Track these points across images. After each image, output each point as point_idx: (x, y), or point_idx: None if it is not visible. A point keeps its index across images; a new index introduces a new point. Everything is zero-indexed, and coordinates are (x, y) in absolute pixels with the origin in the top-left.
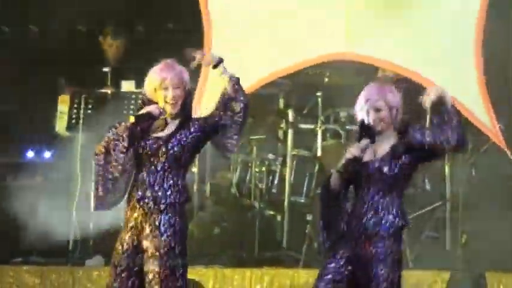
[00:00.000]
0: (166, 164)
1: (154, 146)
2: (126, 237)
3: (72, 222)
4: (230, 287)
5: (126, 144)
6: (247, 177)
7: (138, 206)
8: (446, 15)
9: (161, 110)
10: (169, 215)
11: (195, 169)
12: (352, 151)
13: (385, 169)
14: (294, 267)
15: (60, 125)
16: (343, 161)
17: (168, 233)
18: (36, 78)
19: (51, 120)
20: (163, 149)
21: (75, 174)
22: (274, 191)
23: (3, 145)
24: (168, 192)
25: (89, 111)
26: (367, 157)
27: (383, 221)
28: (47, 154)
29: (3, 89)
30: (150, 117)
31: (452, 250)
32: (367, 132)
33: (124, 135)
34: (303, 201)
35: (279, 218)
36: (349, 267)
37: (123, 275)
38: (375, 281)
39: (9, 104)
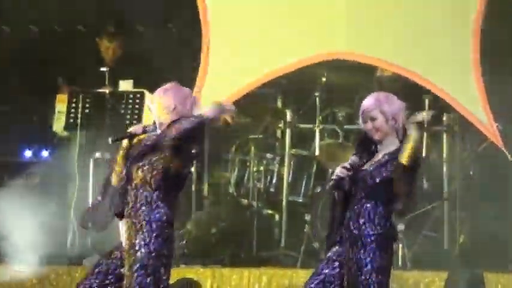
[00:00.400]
0: (138, 184)
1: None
2: (120, 247)
3: (70, 221)
4: (228, 287)
5: (114, 166)
6: (246, 177)
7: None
8: (444, 14)
9: (146, 128)
10: (145, 234)
11: (192, 168)
12: (337, 172)
13: (368, 177)
14: (292, 267)
15: (58, 125)
16: (331, 182)
17: (143, 251)
18: (35, 77)
19: (49, 119)
20: (135, 168)
21: (72, 174)
22: (272, 190)
23: (1, 144)
24: (140, 211)
25: (87, 110)
26: (364, 166)
27: (362, 228)
28: (45, 153)
29: (1, 88)
30: (132, 136)
31: (451, 250)
32: (369, 144)
33: (117, 157)
34: (301, 200)
35: (277, 217)
36: (342, 271)
37: (98, 276)
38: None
39: (7, 103)
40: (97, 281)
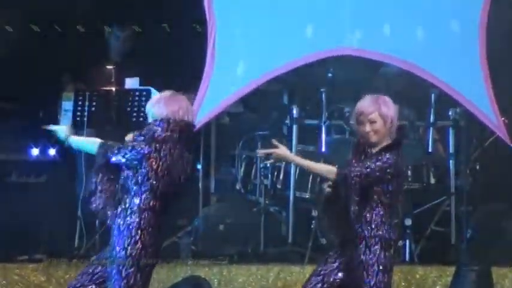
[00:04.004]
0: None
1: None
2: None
3: (77, 219)
4: (235, 284)
5: None
6: (252, 173)
7: None
8: (452, 9)
9: (135, 137)
10: (124, 238)
11: (199, 165)
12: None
13: (364, 179)
14: (299, 263)
15: (65, 123)
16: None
17: (121, 254)
18: (41, 75)
19: (55, 117)
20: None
21: (79, 172)
22: (279, 186)
23: (8, 143)
24: (121, 214)
25: (93, 108)
26: (358, 168)
27: (362, 230)
28: (52, 151)
29: (8, 86)
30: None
31: (458, 245)
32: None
33: None
34: (307, 196)
35: (284, 213)
36: (342, 273)
37: (90, 275)
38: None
39: (14, 101)
40: (89, 278)
